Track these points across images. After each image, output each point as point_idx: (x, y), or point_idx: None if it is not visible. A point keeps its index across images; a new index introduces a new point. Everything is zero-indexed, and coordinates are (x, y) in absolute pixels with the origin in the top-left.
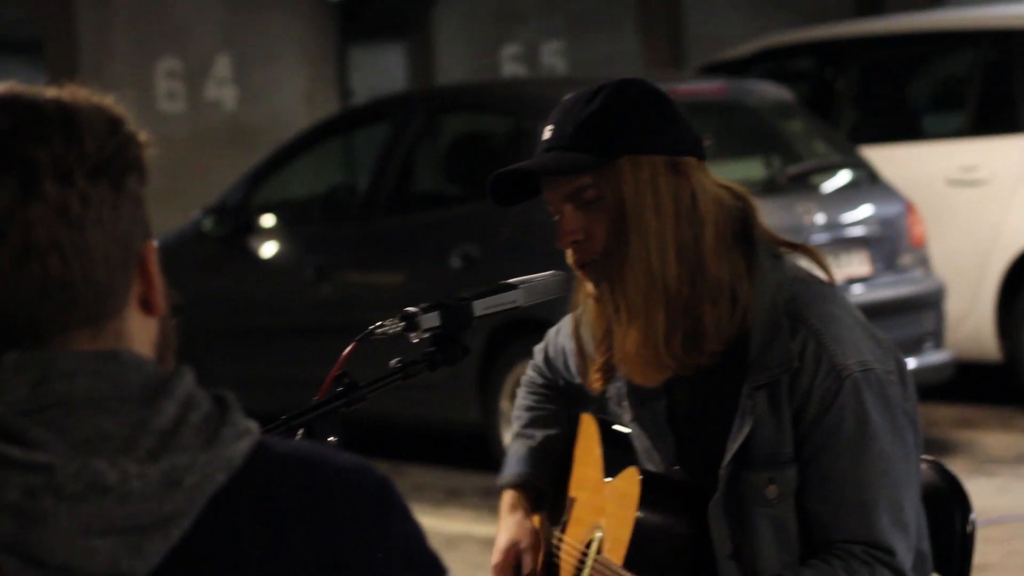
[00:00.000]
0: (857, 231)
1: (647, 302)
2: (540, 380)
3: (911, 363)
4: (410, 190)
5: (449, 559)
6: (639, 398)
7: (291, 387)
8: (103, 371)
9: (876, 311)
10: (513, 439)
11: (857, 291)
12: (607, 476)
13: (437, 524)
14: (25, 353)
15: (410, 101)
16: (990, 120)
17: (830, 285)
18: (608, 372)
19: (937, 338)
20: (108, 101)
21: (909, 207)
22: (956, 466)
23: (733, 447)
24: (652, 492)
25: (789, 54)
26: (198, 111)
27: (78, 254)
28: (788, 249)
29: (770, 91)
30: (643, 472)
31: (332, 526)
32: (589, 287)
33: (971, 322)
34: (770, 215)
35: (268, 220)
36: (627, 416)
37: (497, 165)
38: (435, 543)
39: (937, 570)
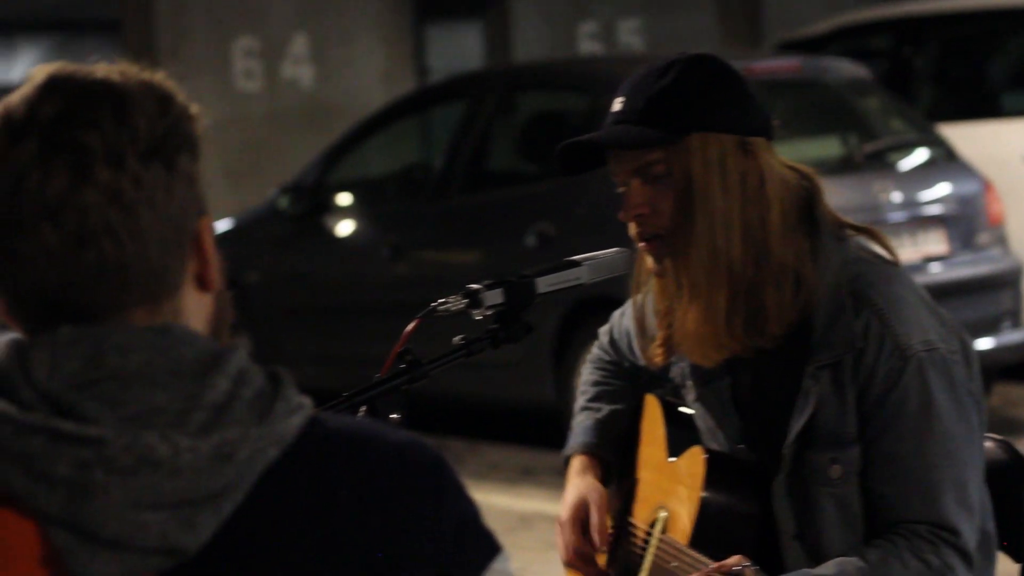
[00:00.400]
0: (934, 209)
1: (710, 281)
2: (606, 357)
3: (988, 343)
4: (485, 168)
5: (523, 537)
6: (702, 378)
7: (365, 365)
8: (156, 346)
9: (953, 290)
10: (578, 412)
11: (934, 270)
12: (671, 456)
13: (511, 502)
14: (79, 328)
15: (486, 79)
16: None
17: (894, 265)
18: (669, 348)
19: (1015, 317)
20: (158, 77)
21: (987, 185)
22: None
23: (796, 427)
24: (716, 471)
25: (867, 31)
26: (275, 90)
27: (132, 237)
28: (852, 231)
29: (847, 68)
30: (707, 451)
31: (384, 502)
32: (650, 262)
33: None
34: (846, 193)
35: (344, 199)
36: (690, 396)
37: None
38: (509, 521)
39: (1005, 549)
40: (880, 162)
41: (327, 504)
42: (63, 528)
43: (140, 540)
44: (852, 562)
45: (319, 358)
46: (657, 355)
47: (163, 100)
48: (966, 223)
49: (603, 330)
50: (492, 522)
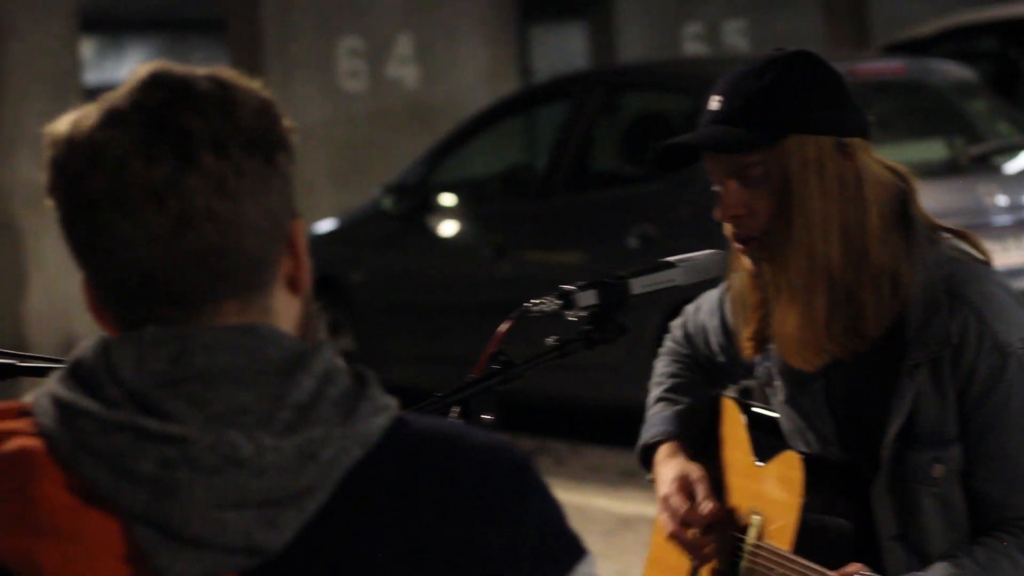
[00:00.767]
0: None
1: (808, 285)
2: (681, 351)
3: None
4: (588, 169)
5: (624, 540)
6: (794, 379)
7: (467, 365)
8: (242, 345)
9: None
10: (654, 402)
11: None
12: (758, 460)
13: (613, 505)
14: (166, 327)
15: (589, 80)
16: None
17: (986, 264)
18: (760, 341)
19: None
20: (256, 84)
21: None
22: None
23: (895, 427)
24: (814, 475)
25: (973, 33)
26: (380, 90)
27: (232, 224)
28: (946, 233)
29: (952, 70)
30: (804, 455)
31: (468, 504)
32: (746, 262)
33: None
34: (951, 196)
35: (447, 199)
36: (778, 397)
37: None
38: (609, 524)
39: None
40: (985, 165)
41: (411, 505)
42: (147, 526)
43: (223, 539)
44: (962, 563)
45: (421, 357)
46: (747, 348)
47: (263, 99)
48: None
49: (676, 324)
50: (592, 524)
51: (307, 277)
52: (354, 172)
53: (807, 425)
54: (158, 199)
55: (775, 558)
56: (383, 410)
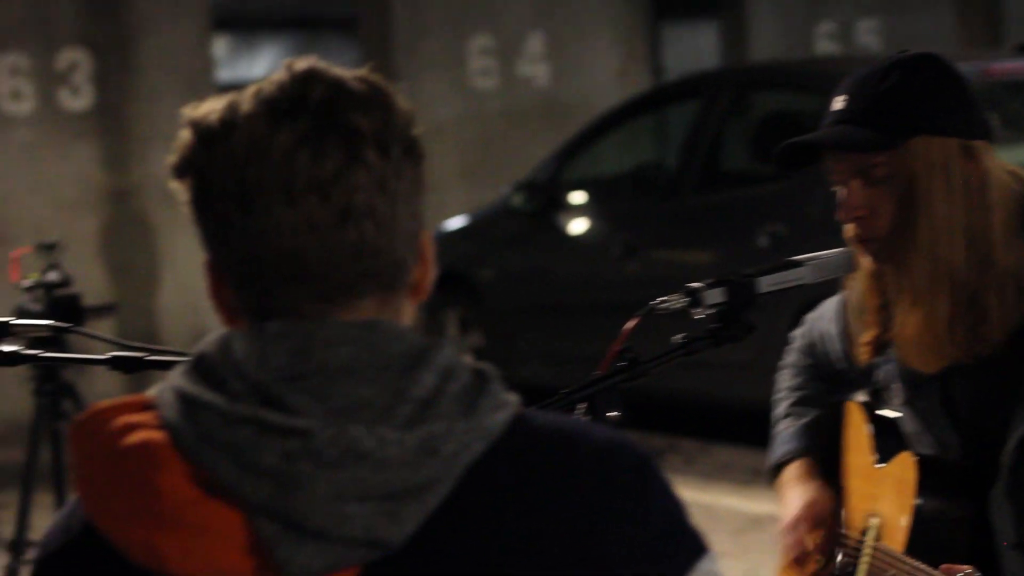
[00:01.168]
0: None
1: (932, 288)
2: (804, 362)
3: None
4: (719, 168)
5: (752, 539)
6: (912, 381)
7: (595, 364)
8: (363, 340)
9: None
10: (781, 419)
11: None
12: (878, 462)
13: (742, 504)
14: (288, 322)
15: (720, 78)
16: None
17: None
18: (878, 346)
19: None
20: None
21: None
22: None
23: (1018, 433)
24: (929, 477)
25: None
26: (510, 88)
27: (388, 223)
28: None
29: None
30: (919, 457)
31: (589, 500)
32: (867, 263)
33: None
34: None
35: (577, 196)
36: (897, 399)
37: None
38: (739, 523)
39: None
40: None
41: (532, 500)
42: (269, 518)
43: (345, 532)
44: None
45: (550, 355)
46: (863, 353)
47: (408, 107)
48: None
49: (798, 333)
50: (721, 524)
51: (429, 285)
52: (484, 170)
53: (925, 428)
54: (323, 191)
55: (888, 559)
56: (504, 406)
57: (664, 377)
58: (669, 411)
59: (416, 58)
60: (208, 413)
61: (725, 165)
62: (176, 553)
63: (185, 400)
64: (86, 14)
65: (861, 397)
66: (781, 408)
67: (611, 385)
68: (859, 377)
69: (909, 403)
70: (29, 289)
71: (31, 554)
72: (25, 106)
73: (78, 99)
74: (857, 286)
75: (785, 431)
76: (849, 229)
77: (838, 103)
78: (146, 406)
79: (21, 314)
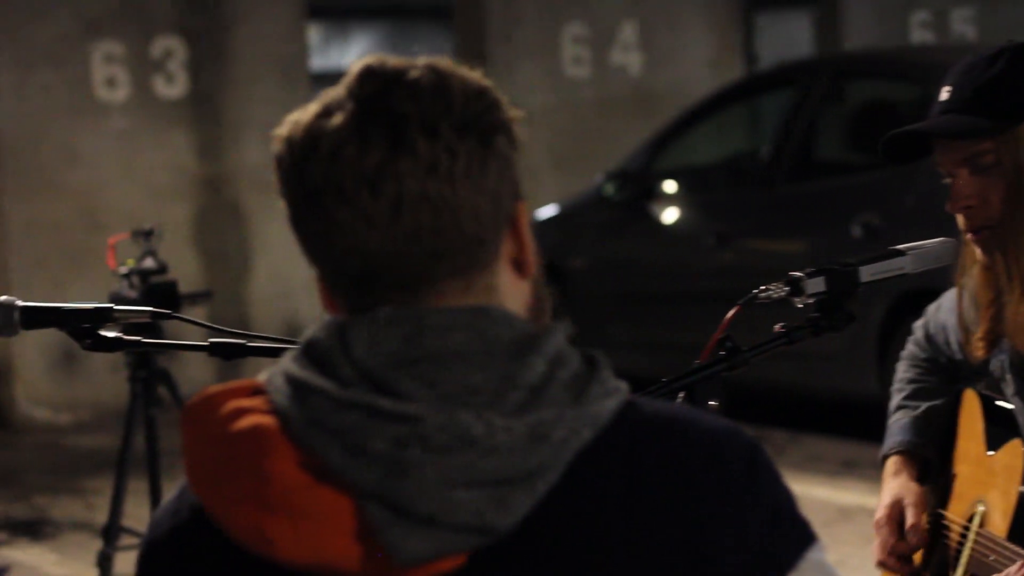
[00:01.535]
0: None
1: None
2: (921, 355)
3: None
4: (812, 157)
5: (842, 530)
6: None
7: (686, 353)
8: (473, 326)
9: None
10: (894, 410)
11: None
12: (990, 450)
13: (832, 495)
14: (399, 308)
15: (814, 67)
16: None
17: None
18: (992, 341)
19: None
20: (475, 73)
21: None
22: None
23: None
24: None
25: None
26: (603, 76)
27: (447, 205)
28: None
29: None
30: None
31: (698, 488)
32: (978, 254)
33: None
34: None
35: (669, 186)
36: (1009, 389)
37: None
38: (828, 514)
39: None
40: None
41: (641, 488)
42: (378, 503)
43: (454, 518)
44: None
45: (640, 345)
46: (979, 348)
47: (479, 86)
48: None
49: (917, 324)
50: (811, 514)
51: (532, 259)
52: (577, 158)
53: None
54: (372, 184)
55: (992, 544)
56: (614, 393)
57: (755, 367)
58: (759, 401)
59: (510, 47)
60: (318, 398)
61: (819, 154)
62: (285, 537)
63: (296, 385)
64: (181, 2)
65: (976, 387)
66: (895, 400)
67: (712, 374)
68: (975, 370)
69: (1020, 393)
70: (125, 276)
71: (124, 541)
72: (120, 94)
73: (172, 87)
74: (971, 280)
75: (895, 424)
76: (960, 220)
77: (944, 93)
78: (256, 391)
79: (117, 300)
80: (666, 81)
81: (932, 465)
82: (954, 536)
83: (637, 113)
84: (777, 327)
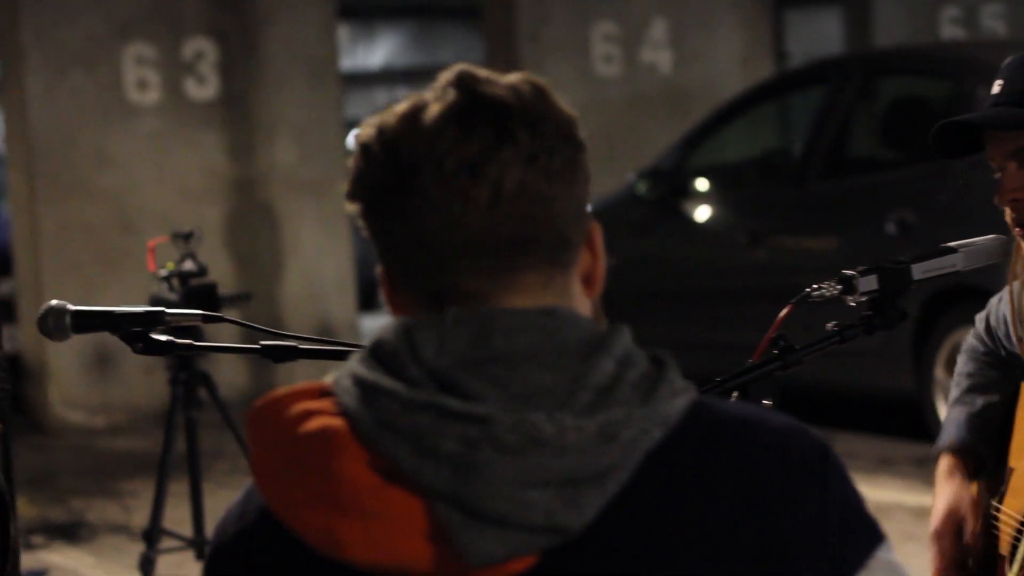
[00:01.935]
0: None
1: None
2: (981, 348)
3: None
4: (845, 154)
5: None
6: None
7: (722, 351)
8: (542, 327)
9: None
10: (952, 405)
11: None
12: None
13: (868, 492)
14: (466, 309)
15: (846, 64)
16: None
17: None
18: None
19: None
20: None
21: None
22: None
23: None
24: None
25: None
26: (634, 75)
27: (543, 199)
28: None
29: None
30: None
31: (768, 488)
32: None
33: None
34: None
35: (702, 184)
36: None
37: None
38: None
39: None
40: None
41: (711, 487)
42: (449, 504)
43: (525, 518)
44: None
45: (674, 343)
46: None
47: (569, 109)
48: None
49: (979, 317)
50: None
51: (602, 277)
52: (608, 157)
53: None
54: (474, 167)
55: None
56: (682, 392)
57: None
58: (795, 399)
59: (539, 46)
60: (387, 399)
61: (852, 151)
62: (356, 539)
63: (364, 387)
64: (212, 3)
65: None
66: (953, 394)
67: (765, 373)
68: None
69: None
70: (165, 279)
71: (165, 543)
72: (151, 96)
73: (204, 88)
74: (1022, 274)
75: (952, 419)
76: (1008, 214)
77: (995, 87)
78: (323, 393)
79: (157, 303)
80: (696, 79)
81: (987, 462)
82: (1009, 531)
83: (668, 111)
84: (829, 325)
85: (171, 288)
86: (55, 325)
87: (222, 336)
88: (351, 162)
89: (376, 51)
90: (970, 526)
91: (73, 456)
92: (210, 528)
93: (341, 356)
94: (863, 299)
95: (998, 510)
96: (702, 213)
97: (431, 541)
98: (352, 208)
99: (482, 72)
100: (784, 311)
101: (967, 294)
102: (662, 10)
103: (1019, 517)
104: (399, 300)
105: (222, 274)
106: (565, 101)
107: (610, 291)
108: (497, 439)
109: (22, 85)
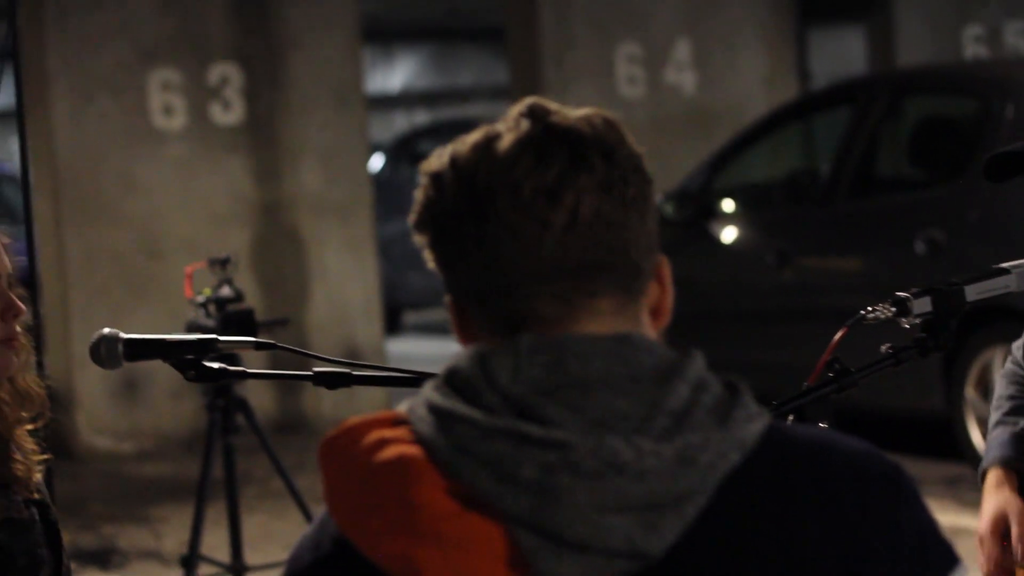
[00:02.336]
0: None
1: None
2: (1021, 371)
3: None
4: (872, 174)
5: None
6: None
7: (752, 371)
8: (617, 353)
9: None
10: (994, 426)
11: None
12: None
13: None
14: (540, 335)
15: (872, 84)
16: None
17: None
18: None
19: None
20: None
21: None
22: None
23: None
24: None
25: None
26: (658, 96)
27: (617, 226)
28: None
29: None
30: None
31: (844, 511)
32: None
33: None
34: None
35: (728, 205)
36: None
37: (963, 148)
38: None
39: None
40: None
41: (788, 510)
42: (529, 530)
43: (605, 543)
44: None
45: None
46: None
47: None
48: None
49: (1016, 345)
50: None
51: (669, 310)
52: None
53: None
54: (551, 193)
55: None
56: (757, 417)
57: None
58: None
59: (563, 68)
60: (464, 427)
61: (880, 171)
62: (435, 567)
63: (440, 414)
64: (237, 29)
65: None
66: (994, 416)
67: (822, 396)
68: None
69: None
70: (202, 304)
71: (203, 569)
72: (177, 121)
73: (229, 113)
74: None
75: (995, 439)
76: None
77: None
78: (396, 421)
79: (194, 329)
80: (720, 99)
81: None
82: None
83: (692, 132)
84: (884, 347)
85: (208, 314)
86: (108, 353)
87: (254, 362)
88: (418, 193)
89: (394, 74)
90: (1017, 529)
91: (102, 482)
92: (248, 553)
93: (395, 382)
94: (916, 321)
95: None
96: (729, 234)
97: (510, 567)
98: (420, 239)
99: (552, 104)
100: (839, 334)
101: (997, 314)
102: (685, 31)
103: None
104: (471, 328)
105: (248, 299)
106: None
107: None
108: (576, 464)
109: (49, 111)
